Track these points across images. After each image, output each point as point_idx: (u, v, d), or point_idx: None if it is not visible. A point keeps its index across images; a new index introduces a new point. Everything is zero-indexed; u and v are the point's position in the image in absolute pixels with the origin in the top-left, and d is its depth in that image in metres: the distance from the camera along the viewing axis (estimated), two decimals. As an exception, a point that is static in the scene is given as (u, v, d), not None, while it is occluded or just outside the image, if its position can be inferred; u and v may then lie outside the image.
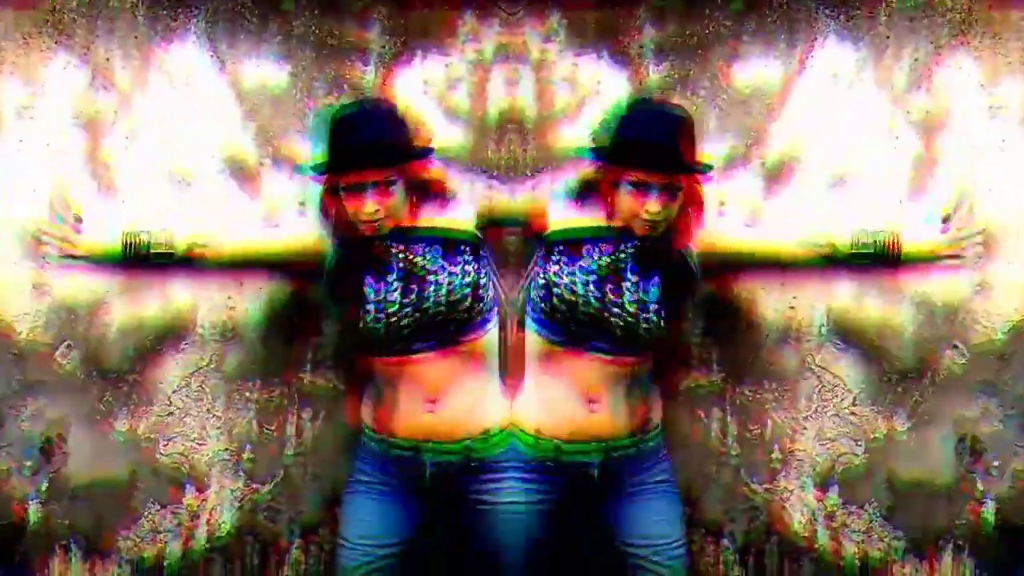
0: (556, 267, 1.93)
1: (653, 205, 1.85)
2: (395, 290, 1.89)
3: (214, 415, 2.24)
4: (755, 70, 2.22)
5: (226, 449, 2.24)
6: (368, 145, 1.86)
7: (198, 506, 2.23)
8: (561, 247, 1.95)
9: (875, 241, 2.06)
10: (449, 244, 1.94)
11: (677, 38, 2.23)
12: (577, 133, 2.19)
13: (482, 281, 1.93)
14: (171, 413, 2.23)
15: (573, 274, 1.91)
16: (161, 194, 2.22)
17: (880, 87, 2.21)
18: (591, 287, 1.90)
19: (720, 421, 2.24)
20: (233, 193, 2.23)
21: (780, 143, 2.22)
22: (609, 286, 1.90)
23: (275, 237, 2.15)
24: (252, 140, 2.24)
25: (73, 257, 2.12)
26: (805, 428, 2.23)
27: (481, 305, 1.94)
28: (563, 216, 2.01)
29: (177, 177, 2.23)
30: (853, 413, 2.23)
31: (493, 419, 1.96)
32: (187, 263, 2.09)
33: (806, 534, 2.23)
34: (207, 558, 2.23)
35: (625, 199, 1.87)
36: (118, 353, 2.22)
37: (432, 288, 1.89)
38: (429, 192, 1.99)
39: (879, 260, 2.08)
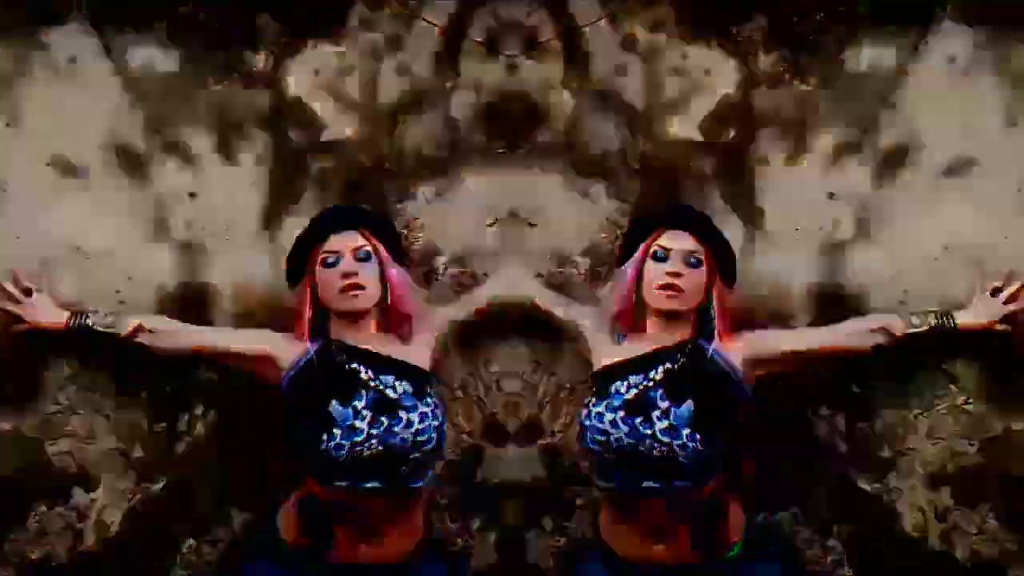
0: (586, 409, 1.92)
1: (672, 265, 1.87)
2: (364, 419, 1.84)
3: (102, 413, 2.18)
4: (869, 56, 2.17)
5: (115, 448, 2.18)
6: (348, 212, 2.00)
7: (87, 506, 2.18)
8: (593, 388, 1.96)
9: (929, 322, 2.02)
10: (418, 381, 1.93)
11: (789, 23, 2.17)
12: (686, 123, 2.17)
13: (444, 427, 1.93)
14: (58, 412, 2.17)
15: (602, 415, 1.88)
16: (46, 184, 2.15)
17: (998, 73, 2.15)
18: (620, 422, 1.86)
19: (829, 416, 2.20)
20: (121, 183, 2.17)
21: (894, 132, 2.17)
22: (638, 418, 1.86)
23: (231, 336, 2.07)
24: (140, 128, 2.17)
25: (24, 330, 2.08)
26: (917, 425, 2.18)
27: (439, 451, 1.95)
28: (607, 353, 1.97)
29: (62, 166, 2.15)
30: (967, 411, 2.17)
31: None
32: (131, 345, 2.02)
33: (917, 534, 2.19)
34: (97, 559, 2.18)
35: (648, 271, 1.90)
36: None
37: (403, 424, 1.85)
38: (398, 315, 1.95)
39: (934, 338, 2.05)
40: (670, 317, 1.92)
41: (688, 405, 1.86)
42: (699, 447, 1.84)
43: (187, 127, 2.17)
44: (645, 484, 1.87)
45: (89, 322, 2.03)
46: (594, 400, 1.92)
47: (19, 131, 2.15)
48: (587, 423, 1.90)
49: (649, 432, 1.85)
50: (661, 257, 1.90)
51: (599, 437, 1.88)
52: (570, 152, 2.20)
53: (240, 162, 2.18)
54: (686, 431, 1.84)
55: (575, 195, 2.20)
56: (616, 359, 1.94)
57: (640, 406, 1.87)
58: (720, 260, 1.94)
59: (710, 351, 1.93)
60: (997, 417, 2.17)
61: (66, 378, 2.16)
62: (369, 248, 1.90)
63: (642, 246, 1.93)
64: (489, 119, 2.20)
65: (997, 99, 2.16)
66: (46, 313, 2.06)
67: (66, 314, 2.05)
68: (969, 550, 2.17)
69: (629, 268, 1.94)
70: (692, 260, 1.89)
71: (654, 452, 1.84)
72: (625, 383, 1.90)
